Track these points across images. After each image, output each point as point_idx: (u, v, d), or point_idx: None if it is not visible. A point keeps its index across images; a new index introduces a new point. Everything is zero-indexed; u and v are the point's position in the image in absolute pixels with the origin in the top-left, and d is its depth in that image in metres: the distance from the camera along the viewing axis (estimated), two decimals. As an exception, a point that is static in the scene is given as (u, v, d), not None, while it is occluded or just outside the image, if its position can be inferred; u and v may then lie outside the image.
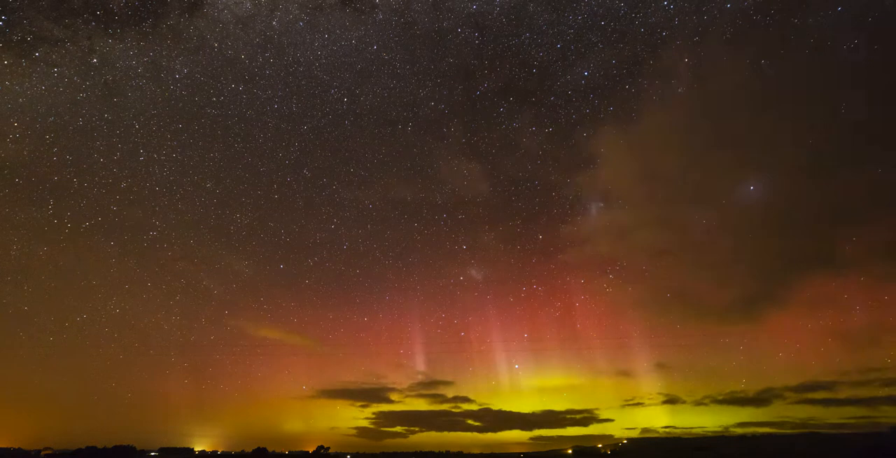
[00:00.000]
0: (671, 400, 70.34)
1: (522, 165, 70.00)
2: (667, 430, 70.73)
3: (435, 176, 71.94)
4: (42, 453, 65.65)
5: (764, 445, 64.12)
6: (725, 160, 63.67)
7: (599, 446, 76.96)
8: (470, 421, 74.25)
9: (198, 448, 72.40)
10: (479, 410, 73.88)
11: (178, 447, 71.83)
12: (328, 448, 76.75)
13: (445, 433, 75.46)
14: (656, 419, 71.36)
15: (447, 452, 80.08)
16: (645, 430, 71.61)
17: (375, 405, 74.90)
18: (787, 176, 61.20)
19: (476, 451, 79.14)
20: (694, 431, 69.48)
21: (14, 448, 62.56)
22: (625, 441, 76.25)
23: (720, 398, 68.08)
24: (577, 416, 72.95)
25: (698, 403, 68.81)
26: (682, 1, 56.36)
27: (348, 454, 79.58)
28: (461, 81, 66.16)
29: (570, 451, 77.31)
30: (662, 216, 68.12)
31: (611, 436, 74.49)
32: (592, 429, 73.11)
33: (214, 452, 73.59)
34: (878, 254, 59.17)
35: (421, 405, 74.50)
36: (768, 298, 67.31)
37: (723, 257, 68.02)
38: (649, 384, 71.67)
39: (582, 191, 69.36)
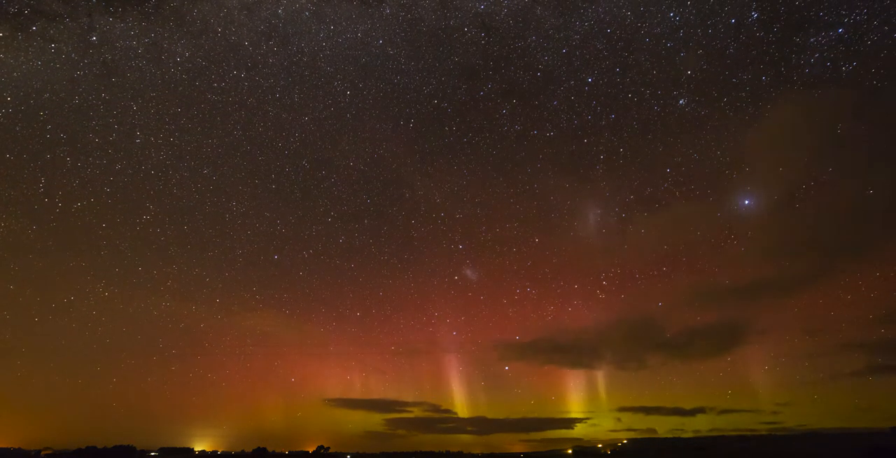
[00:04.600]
0: (665, 405, 71.72)
1: (522, 167, 70.26)
2: (666, 431, 71.83)
3: (434, 174, 72.06)
4: (42, 453, 65.01)
5: (763, 444, 64.67)
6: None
7: (599, 446, 77.55)
8: (469, 427, 74.98)
9: (198, 448, 72.04)
10: (472, 416, 74.80)
11: (178, 447, 71.41)
12: (328, 448, 76.67)
13: (444, 436, 76.12)
14: (650, 422, 72.53)
15: (447, 452, 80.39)
16: (639, 431, 72.73)
17: (368, 412, 75.70)
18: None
19: (476, 451, 79.72)
20: (694, 433, 70.65)
21: (14, 448, 61.95)
22: (625, 441, 76.88)
23: (708, 405, 69.64)
24: (570, 418, 73.92)
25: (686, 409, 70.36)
26: (688, 13, 56.86)
27: (348, 454, 79.50)
28: (465, 81, 66.25)
29: (570, 451, 77.72)
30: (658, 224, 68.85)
31: (605, 439, 75.73)
32: (587, 431, 74.20)
33: (214, 452, 73.23)
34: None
35: (413, 410, 75.22)
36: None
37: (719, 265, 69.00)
38: (642, 388, 72.97)
39: (580, 196, 69.77)
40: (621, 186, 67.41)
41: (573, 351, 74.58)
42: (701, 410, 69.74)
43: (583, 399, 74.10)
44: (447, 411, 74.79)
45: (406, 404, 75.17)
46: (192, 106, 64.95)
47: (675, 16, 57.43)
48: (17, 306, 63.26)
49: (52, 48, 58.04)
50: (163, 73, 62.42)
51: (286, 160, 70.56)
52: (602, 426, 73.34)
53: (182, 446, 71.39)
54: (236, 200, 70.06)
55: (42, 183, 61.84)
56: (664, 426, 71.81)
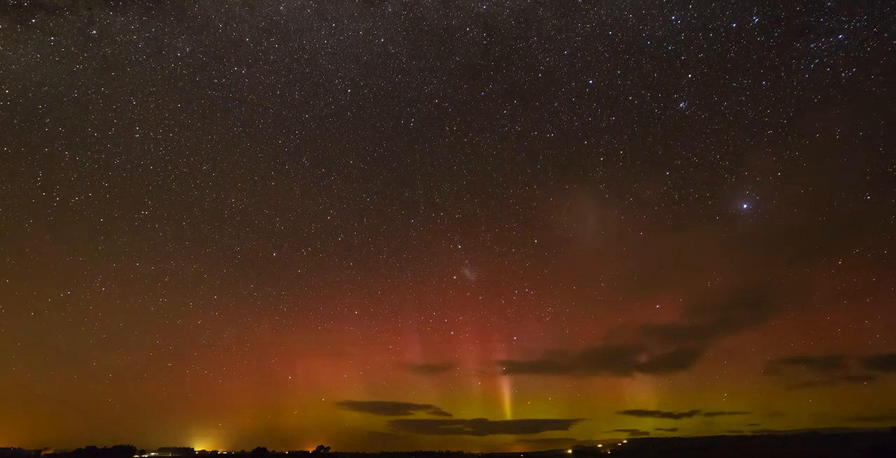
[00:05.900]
0: (661, 408, 71.84)
1: (522, 168, 70.28)
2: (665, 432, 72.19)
3: (434, 174, 71.90)
4: (42, 453, 64.81)
5: (762, 445, 65.04)
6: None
7: (599, 446, 77.81)
8: (468, 428, 74.97)
9: (198, 448, 71.98)
10: (470, 418, 74.83)
11: (178, 446, 71.33)
12: (328, 448, 76.65)
13: (444, 436, 76.16)
14: (648, 423, 72.86)
15: (447, 452, 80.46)
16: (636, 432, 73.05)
17: (368, 413, 75.34)
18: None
19: (476, 451, 79.83)
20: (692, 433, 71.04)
21: (14, 448, 61.76)
22: (624, 441, 77.16)
23: (706, 408, 69.88)
24: (568, 419, 73.90)
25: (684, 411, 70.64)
26: (689, 17, 57.12)
27: (348, 454, 79.45)
28: (466, 81, 66.28)
29: (570, 451, 77.94)
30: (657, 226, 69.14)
31: (604, 439, 76.10)
32: (586, 432, 74.55)
33: (214, 452, 73.16)
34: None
35: (416, 413, 75.00)
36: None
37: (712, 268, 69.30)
38: (640, 389, 73.20)
39: (579, 198, 69.80)
40: (620, 188, 67.73)
41: (571, 352, 74.90)
42: (698, 412, 70.40)
43: (581, 400, 74.54)
44: (446, 413, 75.01)
45: (408, 406, 75.16)
46: (192, 102, 65.01)
47: (676, 19, 57.82)
48: (13, 301, 63.38)
49: (52, 41, 58.01)
50: (163, 69, 62.50)
51: (286, 157, 70.63)
52: (601, 427, 73.89)
53: (182, 446, 71.38)
54: (235, 197, 70.12)
55: (40, 177, 61.91)
56: (663, 427, 72.40)
